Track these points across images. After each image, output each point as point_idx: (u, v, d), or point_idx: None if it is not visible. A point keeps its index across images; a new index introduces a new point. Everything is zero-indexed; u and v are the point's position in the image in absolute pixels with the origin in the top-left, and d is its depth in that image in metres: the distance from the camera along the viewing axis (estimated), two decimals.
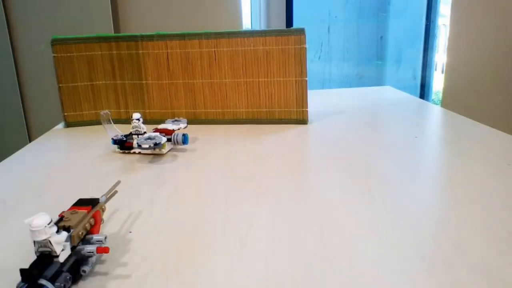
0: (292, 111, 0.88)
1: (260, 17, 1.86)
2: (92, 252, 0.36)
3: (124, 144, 0.72)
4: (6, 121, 1.51)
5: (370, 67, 2.38)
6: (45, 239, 0.34)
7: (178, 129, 0.75)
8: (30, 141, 1.51)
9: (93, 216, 0.40)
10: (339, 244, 0.42)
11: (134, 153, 0.72)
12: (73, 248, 0.36)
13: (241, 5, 1.54)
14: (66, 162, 0.70)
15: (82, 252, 0.37)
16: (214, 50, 0.87)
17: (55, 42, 0.89)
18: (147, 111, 0.92)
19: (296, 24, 1.88)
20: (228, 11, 1.53)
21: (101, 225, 0.42)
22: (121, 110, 0.93)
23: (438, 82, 2.34)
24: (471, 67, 1.38)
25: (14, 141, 1.52)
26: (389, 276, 0.37)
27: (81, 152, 0.74)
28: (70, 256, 0.36)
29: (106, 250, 0.37)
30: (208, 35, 0.87)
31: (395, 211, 0.49)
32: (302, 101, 0.88)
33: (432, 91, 2.37)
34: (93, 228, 0.40)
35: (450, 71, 1.49)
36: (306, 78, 0.86)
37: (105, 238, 0.38)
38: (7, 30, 1.43)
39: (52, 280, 0.33)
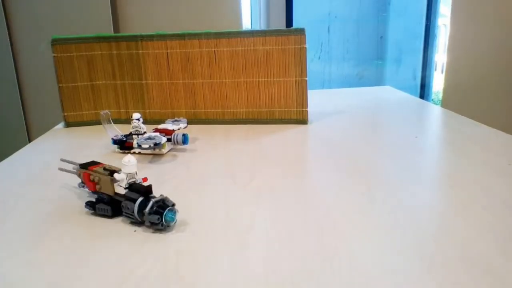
0: (292, 111, 0.88)
1: (260, 17, 1.86)
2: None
3: (124, 144, 0.72)
4: (6, 121, 1.51)
5: (370, 67, 2.38)
6: (135, 171, 0.49)
7: (178, 129, 0.75)
8: (29, 141, 1.50)
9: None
10: (339, 244, 0.42)
11: (134, 153, 0.72)
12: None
13: (241, 5, 1.54)
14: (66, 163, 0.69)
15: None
16: (214, 50, 0.87)
17: (55, 42, 0.89)
18: (147, 111, 0.92)
19: (296, 24, 1.88)
20: (228, 11, 1.53)
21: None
22: (121, 110, 0.93)
23: (438, 82, 2.34)
24: (471, 67, 1.38)
25: (13, 141, 1.52)
26: (389, 276, 0.37)
27: (81, 152, 0.74)
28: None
29: (145, 179, 0.51)
30: (208, 35, 0.87)
31: (395, 211, 0.48)
32: (302, 101, 0.88)
33: (432, 91, 2.37)
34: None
35: (450, 71, 1.49)
36: (306, 78, 0.86)
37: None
38: (6, 30, 1.43)
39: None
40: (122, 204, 0.47)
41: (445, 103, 1.52)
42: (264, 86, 0.88)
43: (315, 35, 2.29)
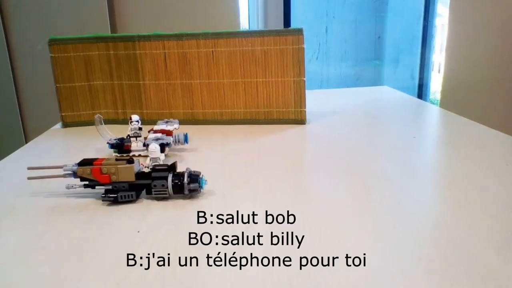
0: (290, 111, 0.88)
1: (257, 17, 1.86)
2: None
3: (122, 148, 0.71)
4: (2, 122, 1.50)
5: (368, 67, 2.39)
6: (158, 157, 0.61)
7: (174, 129, 0.75)
8: (26, 141, 1.50)
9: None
10: (337, 244, 0.42)
11: (134, 155, 0.71)
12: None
13: (238, 5, 1.54)
14: (64, 163, 0.69)
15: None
16: (212, 50, 0.87)
17: (52, 42, 0.88)
18: (145, 111, 0.92)
19: (294, 24, 1.88)
20: (225, 11, 1.53)
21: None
22: (119, 111, 0.93)
23: (435, 82, 2.34)
24: (470, 67, 1.39)
25: (10, 142, 1.51)
26: (387, 277, 0.37)
27: (80, 152, 0.74)
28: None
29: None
30: (205, 35, 0.87)
31: (393, 211, 0.48)
32: (300, 101, 0.87)
33: (430, 91, 2.37)
34: None
35: (448, 71, 1.49)
36: (304, 78, 0.86)
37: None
38: (3, 30, 1.42)
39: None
40: (154, 184, 0.52)
41: (443, 103, 1.52)
42: (262, 86, 0.88)
43: (313, 35, 2.29)
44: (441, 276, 0.36)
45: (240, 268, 0.39)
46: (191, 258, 0.41)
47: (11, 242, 0.44)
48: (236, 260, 0.40)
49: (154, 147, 0.60)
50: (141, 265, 0.40)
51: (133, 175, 0.52)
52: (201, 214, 0.49)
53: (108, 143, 0.71)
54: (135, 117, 0.71)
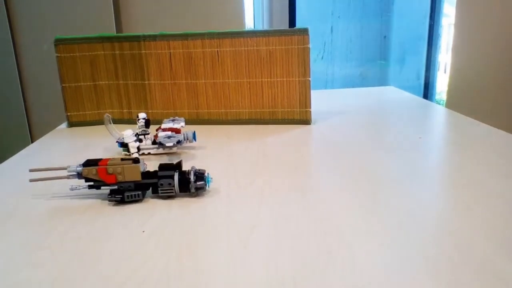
0: (295, 111, 0.88)
1: (263, 17, 1.86)
2: None
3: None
4: (8, 121, 1.51)
5: (374, 67, 2.38)
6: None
7: (181, 127, 0.75)
8: (32, 141, 1.51)
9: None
10: (342, 245, 0.42)
11: (143, 154, 0.72)
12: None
13: (244, 5, 1.53)
14: (70, 163, 0.69)
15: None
16: (217, 50, 0.87)
17: (58, 42, 0.89)
18: (150, 111, 0.92)
19: (299, 24, 1.88)
20: (231, 11, 1.53)
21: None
22: (124, 110, 0.93)
23: (441, 82, 2.33)
24: (476, 67, 1.38)
25: (16, 141, 1.52)
26: (391, 277, 0.36)
27: (85, 152, 0.74)
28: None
29: None
30: (211, 35, 0.87)
31: (398, 211, 0.48)
32: (305, 101, 0.87)
33: (435, 91, 2.36)
34: None
35: (455, 71, 1.49)
36: (310, 78, 0.86)
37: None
38: (9, 30, 1.43)
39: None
40: (160, 182, 0.52)
41: (449, 103, 1.51)
42: (267, 86, 0.88)
43: (318, 35, 2.29)
44: (447, 276, 0.36)
45: (245, 268, 0.38)
46: (195, 258, 0.40)
47: (17, 242, 0.45)
48: (241, 260, 0.40)
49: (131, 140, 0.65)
50: (146, 265, 0.40)
51: (139, 175, 0.52)
52: (206, 214, 0.49)
53: (117, 141, 0.71)
54: (142, 115, 0.71)
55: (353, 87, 1.35)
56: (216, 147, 0.75)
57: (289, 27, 1.22)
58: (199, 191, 0.54)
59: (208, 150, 0.74)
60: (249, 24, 1.84)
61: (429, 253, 0.40)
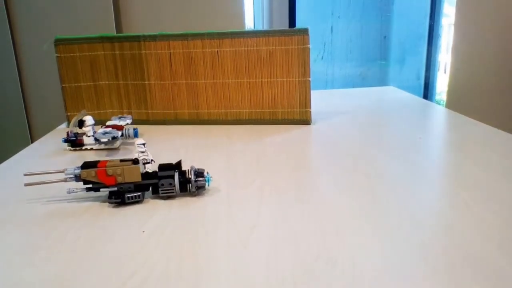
0: (295, 111, 0.88)
1: (263, 17, 1.86)
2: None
3: (75, 142, 0.75)
4: (8, 121, 1.51)
5: (374, 67, 2.38)
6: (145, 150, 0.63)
7: (126, 124, 0.79)
8: (32, 141, 1.51)
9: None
10: (342, 245, 0.42)
11: (86, 149, 0.75)
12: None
13: (244, 5, 1.53)
14: (70, 163, 0.69)
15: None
16: (217, 50, 0.87)
17: (58, 42, 0.89)
18: (150, 111, 0.92)
19: (299, 24, 1.88)
20: (231, 11, 1.53)
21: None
22: (124, 111, 0.93)
23: (441, 82, 2.33)
24: (476, 67, 1.38)
25: (16, 141, 1.52)
26: (392, 278, 0.36)
27: (85, 152, 0.74)
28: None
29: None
30: (211, 35, 0.87)
31: (398, 212, 0.48)
32: (305, 102, 0.87)
33: (435, 91, 2.36)
34: None
35: (455, 71, 1.49)
36: (310, 79, 0.86)
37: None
38: (9, 30, 1.43)
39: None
40: (161, 183, 0.53)
41: (449, 103, 1.51)
42: (267, 87, 0.88)
43: (318, 35, 2.29)
44: (448, 277, 0.36)
45: (245, 268, 0.38)
46: (195, 258, 0.40)
47: (17, 242, 0.45)
48: (241, 260, 0.40)
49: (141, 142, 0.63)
50: (146, 265, 0.40)
51: (139, 175, 0.52)
52: (206, 214, 0.49)
53: (64, 137, 0.74)
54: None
55: (353, 87, 1.35)
56: (216, 147, 0.75)
57: (289, 27, 1.22)
58: (199, 190, 0.55)
59: (208, 150, 0.74)
60: (249, 24, 1.83)
61: (429, 253, 0.40)
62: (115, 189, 0.52)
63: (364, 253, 0.40)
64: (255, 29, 1.91)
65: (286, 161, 0.66)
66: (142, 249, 0.42)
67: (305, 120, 0.88)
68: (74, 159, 0.71)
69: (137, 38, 0.88)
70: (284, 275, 0.37)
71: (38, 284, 0.37)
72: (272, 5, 1.78)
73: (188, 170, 0.54)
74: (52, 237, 0.45)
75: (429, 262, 0.39)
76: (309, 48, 0.84)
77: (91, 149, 0.75)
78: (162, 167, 0.54)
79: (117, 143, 0.76)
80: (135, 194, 0.52)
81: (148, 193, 0.55)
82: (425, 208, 0.49)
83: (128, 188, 0.53)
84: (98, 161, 0.53)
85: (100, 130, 0.74)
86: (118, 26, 1.50)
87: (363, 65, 2.37)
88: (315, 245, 0.42)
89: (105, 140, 0.71)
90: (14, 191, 0.58)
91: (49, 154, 0.74)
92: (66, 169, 0.53)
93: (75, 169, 0.53)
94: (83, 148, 0.75)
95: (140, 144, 0.64)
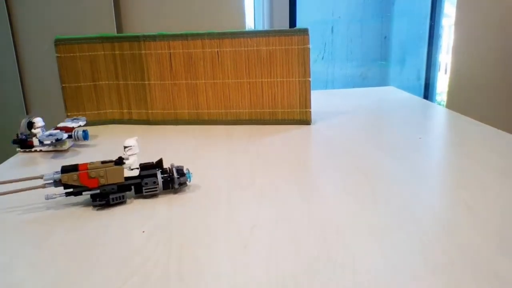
0: (296, 111, 0.88)
1: (263, 17, 1.86)
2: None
3: (25, 143, 0.75)
4: (8, 121, 1.51)
5: (374, 67, 2.38)
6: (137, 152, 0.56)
7: (78, 126, 0.79)
8: None
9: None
10: (342, 246, 0.42)
11: (36, 151, 0.75)
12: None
13: (244, 5, 1.53)
14: (70, 163, 0.69)
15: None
16: (217, 51, 0.87)
17: (58, 42, 0.89)
18: (150, 111, 0.92)
19: (299, 25, 1.88)
20: (231, 11, 1.53)
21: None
22: (124, 111, 0.93)
23: (442, 83, 2.33)
24: (476, 67, 1.38)
25: None
26: (392, 279, 0.36)
27: (85, 152, 0.74)
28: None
29: None
30: (211, 35, 0.87)
31: (398, 212, 0.48)
32: (305, 102, 0.87)
33: (436, 92, 2.36)
34: None
35: (455, 72, 1.48)
36: (310, 79, 0.86)
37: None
38: (9, 30, 1.43)
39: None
40: (144, 182, 0.53)
41: (450, 103, 1.51)
42: (267, 87, 0.88)
43: (319, 35, 2.29)
44: (448, 277, 0.36)
45: (245, 268, 0.38)
46: (195, 258, 0.40)
47: (16, 242, 0.45)
48: (241, 261, 0.40)
49: (133, 142, 0.55)
50: (146, 265, 0.39)
51: (122, 176, 0.52)
52: (206, 214, 0.49)
53: (14, 138, 0.74)
54: (38, 121, 0.74)
55: (353, 87, 1.35)
56: (216, 147, 0.75)
57: (289, 27, 1.22)
58: (181, 186, 0.56)
59: (208, 150, 0.73)
60: (249, 24, 1.83)
61: (429, 253, 0.40)
62: (98, 191, 0.51)
63: (364, 253, 0.40)
64: (255, 29, 1.91)
65: (286, 161, 0.66)
66: (142, 249, 0.42)
67: (305, 120, 0.88)
68: (80, 158, 0.71)
69: (137, 38, 0.88)
70: (284, 275, 0.37)
71: (38, 283, 0.37)
72: (273, 5, 1.78)
73: (169, 168, 0.55)
74: (52, 238, 0.45)
75: (429, 262, 0.38)
76: (309, 48, 0.84)
77: (40, 150, 0.75)
78: (143, 166, 0.54)
79: (66, 145, 0.75)
80: (120, 195, 0.52)
81: (131, 193, 0.55)
82: (425, 208, 0.49)
83: (111, 189, 0.52)
84: (77, 165, 0.51)
85: (46, 132, 0.74)
86: (119, 26, 1.50)
87: (364, 65, 2.37)
88: (315, 245, 0.42)
89: (48, 142, 0.71)
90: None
91: (49, 154, 0.74)
92: (44, 175, 0.51)
93: (54, 174, 0.51)
94: (33, 150, 0.75)
95: (128, 146, 0.55)
